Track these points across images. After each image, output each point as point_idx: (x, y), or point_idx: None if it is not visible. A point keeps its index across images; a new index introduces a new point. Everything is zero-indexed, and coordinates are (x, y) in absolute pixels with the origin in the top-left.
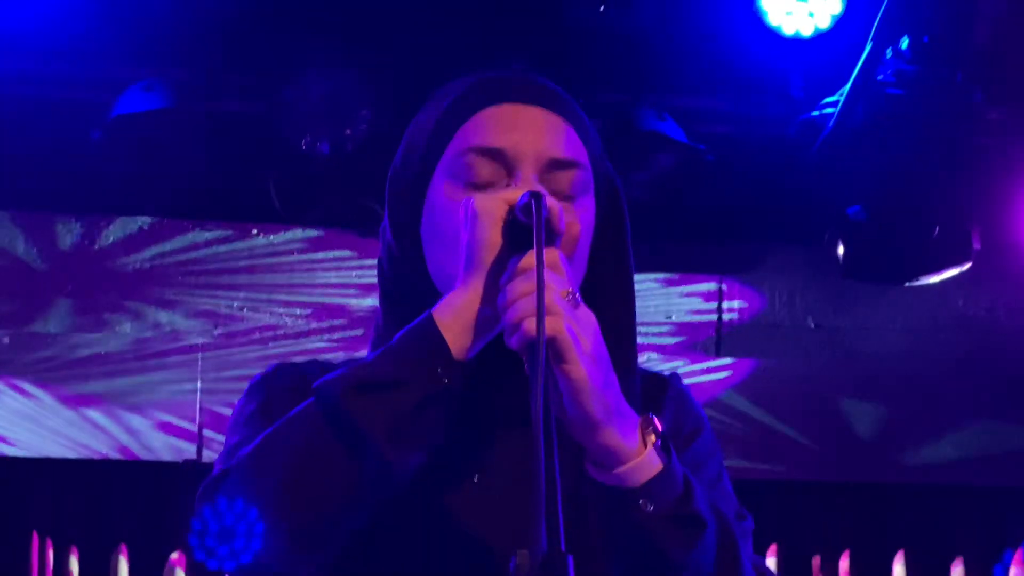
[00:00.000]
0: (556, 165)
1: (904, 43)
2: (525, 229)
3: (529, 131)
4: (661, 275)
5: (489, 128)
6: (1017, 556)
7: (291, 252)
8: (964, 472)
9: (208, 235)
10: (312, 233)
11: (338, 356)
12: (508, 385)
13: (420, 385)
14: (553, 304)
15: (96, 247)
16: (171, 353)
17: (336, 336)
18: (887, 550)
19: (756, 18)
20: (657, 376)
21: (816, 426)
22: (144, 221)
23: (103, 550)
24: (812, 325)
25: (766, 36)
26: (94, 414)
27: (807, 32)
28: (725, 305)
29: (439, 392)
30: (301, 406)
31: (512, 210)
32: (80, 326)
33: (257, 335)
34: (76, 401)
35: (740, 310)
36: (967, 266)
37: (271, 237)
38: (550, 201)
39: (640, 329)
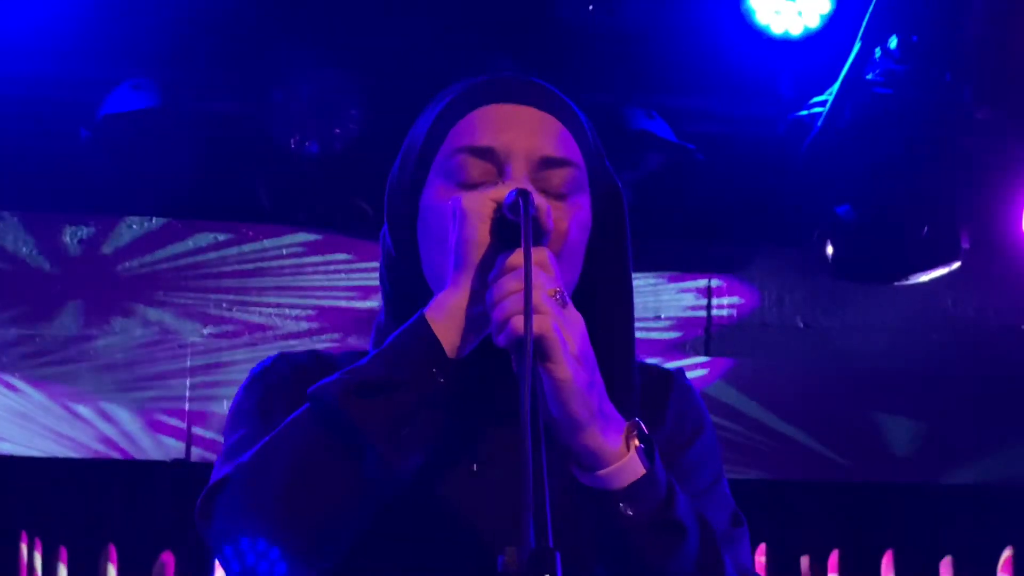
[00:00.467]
0: (547, 163)
1: (893, 42)
2: (513, 227)
3: (520, 130)
4: (651, 274)
5: (480, 128)
6: (1006, 555)
7: (288, 255)
8: (953, 471)
9: (208, 238)
10: (309, 237)
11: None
12: (500, 381)
13: (416, 385)
14: (540, 303)
15: (95, 250)
16: (161, 352)
17: (325, 337)
18: (876, 549)
19: (745, 18)
20: (661, 371)
21: (804, 426)
22: (140, 225)
23: (92, 549)
24: (801, 324)
25: (755, 35)
26: (83, 411)
27: (796, 31)
28: (715, 304)
29: (435, 391)
30: (298, 411)
31: (500, 208)
32: (69, 326)
33: (247, 336)
34: (65, 399)
35: (729, 309)
36: (956, 265)
37: (267, 241)
38: (538, 199)
39: None
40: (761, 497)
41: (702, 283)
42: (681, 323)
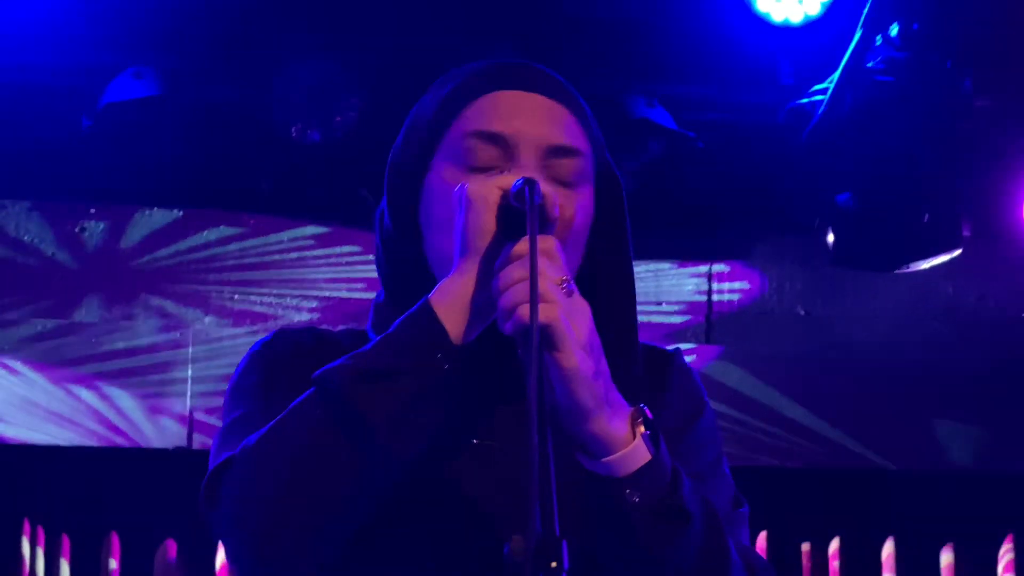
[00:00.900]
0: (556, 152)
1: (894, 30)
2: (519, 215)
3: (531, 117)
4: (652, 262)
5: (490, 113)
6: (1007, 542)
7: (296, 248)
8: (953, 458)
9: (217, 231)
10: (318, 229)
11: (336, 327)
12: (504, 368)
13: (421, 372)
14: (547, 291)
15: (100, 240)
16: (163, 340)
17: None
18: (877, 536)
19: (745, 5)
20: (661, 351)
21: (805, 413)
22: (147, 216)
23: (94, 537)
24: (802, 312)
25: (755, 23)
26: (85, 396)
27: (796, 19)
28: (715, 292)
29: (439, 378)
30: (303, 396)
31: (506, 196)
32: (74, 314)
33: (249, 324)
34: (67, 384)
35: (730, 297)
36: (957, 253)
37: (274, 235)
38: (544, 187)
39: None
40: (762, 484)
41: (703, 271)
42: (682, 311)
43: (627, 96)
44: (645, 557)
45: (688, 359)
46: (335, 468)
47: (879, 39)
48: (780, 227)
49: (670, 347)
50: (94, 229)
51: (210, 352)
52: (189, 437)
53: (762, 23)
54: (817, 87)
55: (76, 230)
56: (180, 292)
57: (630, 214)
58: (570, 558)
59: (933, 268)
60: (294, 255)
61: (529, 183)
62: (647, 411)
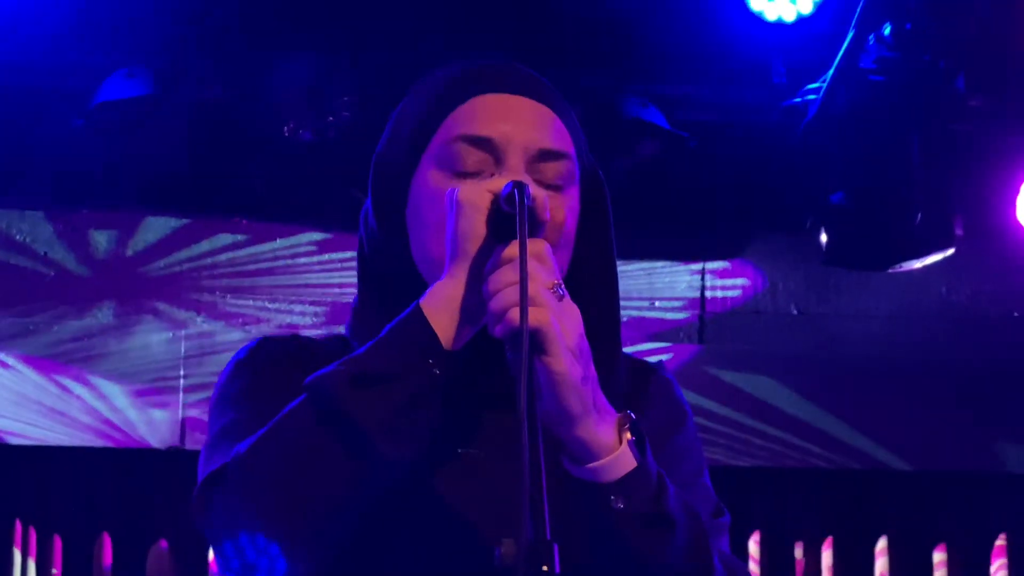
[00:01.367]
0: (544, 156)
1: (887, 30)
2: (509, 219)
3: (519, 121)
4: (644, 262)
5: (478, 117)
6: (999, 542)
7: (296, 255)
8: (947, 458)
9: (220, 239)
10: (319, 236)
11: (319, 332)
12: (493, 370)
13: (413, 377)
14: (538, 295)
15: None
16: (156, 341)
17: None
18: (870, 536)
19: (739, 4)
20: (643, 364)
21: (798, 413)
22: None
23: (87, 537)
24: (795, 311)
25: (749, 22)
26: (77, 394)
27: (789, 18)
28: (708, 291)
29: (431, 383)
30: (294, 403)
31: (496, 200)
32: (67, 313)
33: (242, 325)
34: (60, 383)
35: (723, 296)
36: (950, 251)
37: (279, 241)
38: (534, 190)
39: (623, 316)
40: (755, 484)
41: (696, 269)
42: (675, 309)
43: (620, 96)
44: (629, 563)
45: (682, 360)
46: (329, 474)
47: (872, 38)
48: (773, 226)
49: (653, 360)
50: (87, 235)
51: (204, 353)
52: (182, 437)
53: (755, 22)
54: (810, 86)
55: (71, 234)
56: (179, 296)
57: (622, 213)
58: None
59: (926, 267)
60: (295, 260)
61: (519, 186)
62: (634, 417)
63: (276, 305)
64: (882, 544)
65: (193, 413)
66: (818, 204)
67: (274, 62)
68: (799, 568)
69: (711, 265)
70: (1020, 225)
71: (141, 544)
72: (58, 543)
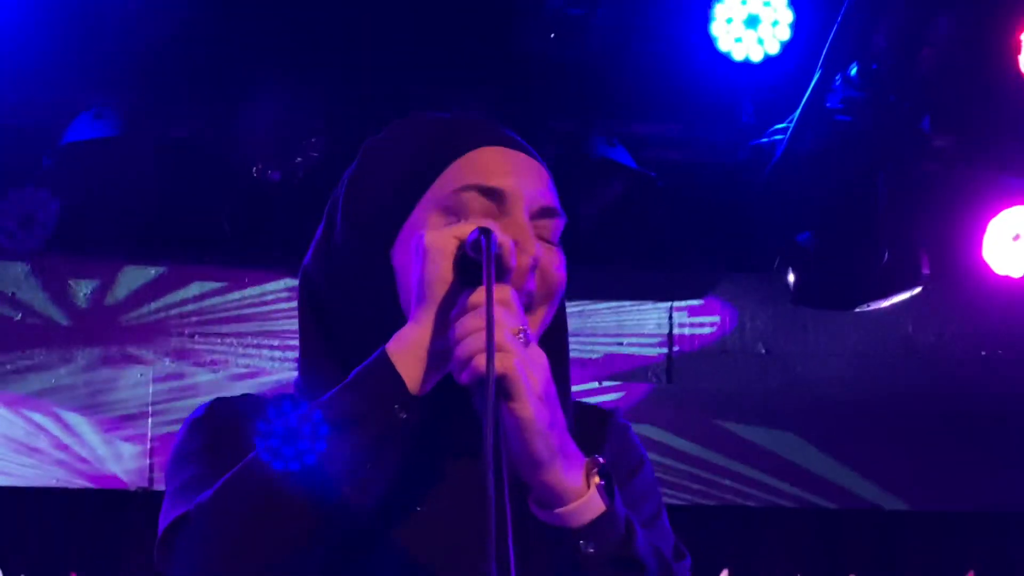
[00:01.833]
0: (545, 212)
1: (853, 70)
2: (476, 265)
3: (525, 176)
4: (612, 301)
5: (488, 168)
6: None
7: (277, 300)
8: (913, 496)
9: (197, 288)
10: (293, 282)
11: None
12: (461, 417)
13: (378, 421)
14: (503, 341)
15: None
16: (124, 381)
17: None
18: (838, 574)
19: (706, 44)
20: (597, 410)
21: (766, 451)
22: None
23: None
24: (763, 351)
25: (716, 62)
26: (47, 432)
27: (757, 58)
28: (676, 331)
29: (396, 428)
30: (254, 453)
31: (463, 246)
32: (37, 356)
33: (210, 367)
34: (29, 424)
35: (691, 335)
36: (917, 291)
37: (260, 287)
38: (501, 237)
39: (591, 355)
40: (723, 522)
41: (664, 309)
42: (643, 348)
43: (588, 135)
44: None
45: (649, 400)
46: (292, 519)
47: (839, 78)
48: (741, 265)
49: (610, 407)
50: (58, 280)
51: (173, 395)
52: (150, 479)
53: (723, 62)
54: (777, 126)
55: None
56: (144, 337)
57: (590, 253)
58: None
59: (893, 307)
60: (274, 306)
61: (485, 233)
62: (602, 461)
63: (246, 350)
64: None
65: (161, 455)
66: (786, 244)
67: (242, 103)
68: None
69: (679, 304)
70: (986, 264)
71: None
72: None
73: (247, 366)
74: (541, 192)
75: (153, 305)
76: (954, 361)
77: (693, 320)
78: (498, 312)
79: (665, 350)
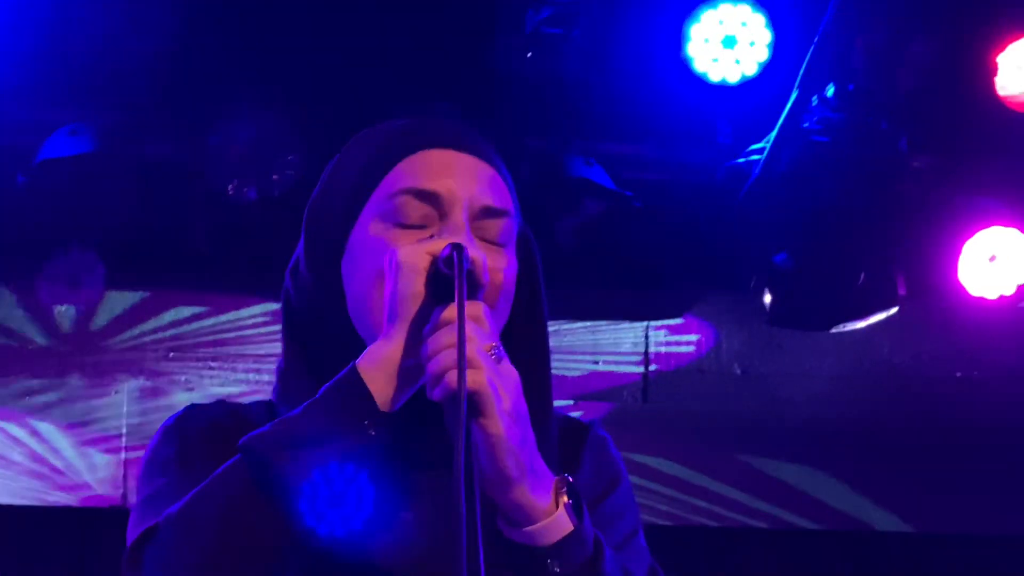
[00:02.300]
0: (487, 213)
1: (830, 91)
2: (448, 281)
3: (463, 177)
4: (588, 322)
5: (423, 171)
6: None
7: (256, 325)
8: (887, 519)
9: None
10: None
11: (244, 398)
12: (431, 434)
13: (347, 438)
14: (475, 358)
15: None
16: (98, 397)
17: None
18: None
19: (683, 65)
20: (577, 423)
21: (740, 472)
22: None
23: None
24: (738, 371)
25: (693, 83)
26: (20, 443)
27: (733, 79)
28: (652, 350)
29: (366, 444)
30: (229, 463)
31: (435, 262)
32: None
33: (183, 381)
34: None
35: (667, 356)
36: (893, 311)
37: (239, 312)
38: (473, 253)
39: (567, 375)
40: (698, 543)
41: (640, 328)
42: (619, 368)
43: (564, 154)
44: None
45: (625, 420)
46: (261, 534)
47: (815, 99)
48: (717, 286)
49: (587, 420)
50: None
51: (144, 409)
52: (123, 496)
53: (700, 83)
54: (754, 147)
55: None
56: (120, 356)
57: (566, 273)
58: None
59: (869, 327)
60: (257, 331)
61: (457, 249)
62: (571, 480)
63: (223, 372)
64: None
65: (135, 469)
66: (762, 264)
67: (219, 120)
68: None
69: (655, 324)
70: (962, 285)
71: None
72: None
73: (222, 386)
74: (482, 191)
75: (134, 330)
76: (930, 382)
77: (669, 340)
78: (470, 328)
79: (641, 369)
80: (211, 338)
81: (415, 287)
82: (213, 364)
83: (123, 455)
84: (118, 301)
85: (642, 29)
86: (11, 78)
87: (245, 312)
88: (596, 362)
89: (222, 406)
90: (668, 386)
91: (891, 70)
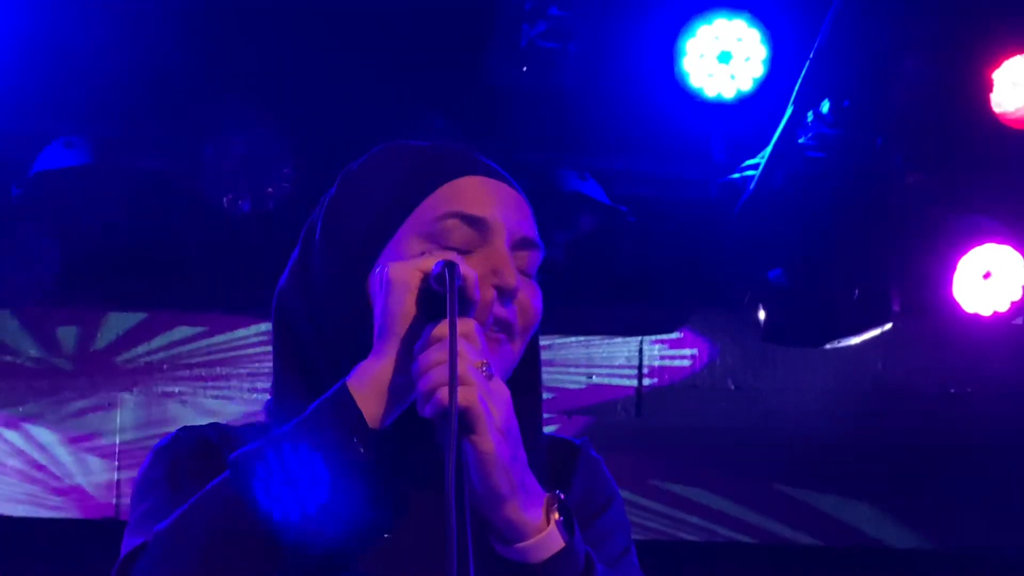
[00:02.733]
0: (524, 244)
1: (825, 107)
2: (439, 298)
3: (507, 206)
4: (582, 337)
5: (471, 196)
6: None
7: (251, 345)
8: (882, 534)
9: (180, 333)
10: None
11: (237, 419)
12: (422, 451)
13: (337, 456)
14: (466, 374)
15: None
16: (91, 411)
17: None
18: None
19: (678, 80)
20: (568, 443)
21: (734, 487)
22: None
23: None
24: (732, 386)
25: (688, 98)
26: (17, 451)
27: (729, 95)
28: (646, 366)
29: (355, 461)
30: (217, 480)
31: (427, 278)
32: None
33: (176, 393)
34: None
35: (661, 371)
36: (887, 327)
37: (238, 332)
38: (465, 270)
39: (561, 386)
40: (691, 558)
41: (634, 344)
42: (612, 383)
43: (559, 169)
44: None
45: (618, 436)
46: (249, 550)
47: (810, 116)
48: (711, 301)
49: (578, 439)
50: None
51: (137, 422)
52: (116, 508)
53: (695, 99)
54: (749, 163)
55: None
56: (112, 370)
57: (561, 288)
58: None
59: (863, 343)
60: (254, 350)
61: (449, 266)
62: (562, 497)
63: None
64: None
65: (126, 483)
66: (756, 280)
67: (213, 133)
68: None
69: (649, 339)
70: (956, 302)
71: None
72: None
73: (216, 399)
74: (521, 223)
75: (134, 349)
76: (923, 398)
77: (663, 354)
78: (461, 345)
79: (635, 384)
80: (207, 358)
81: (406, 304)
82: (212, 384)
83: (116, 475)
84: (117, 319)
85: (638, 44)
86: (6, 90)
87: (241, 332)
88: (590, 376)
89: (214, 428)
90: (661, 401)
91: (886, 87)
